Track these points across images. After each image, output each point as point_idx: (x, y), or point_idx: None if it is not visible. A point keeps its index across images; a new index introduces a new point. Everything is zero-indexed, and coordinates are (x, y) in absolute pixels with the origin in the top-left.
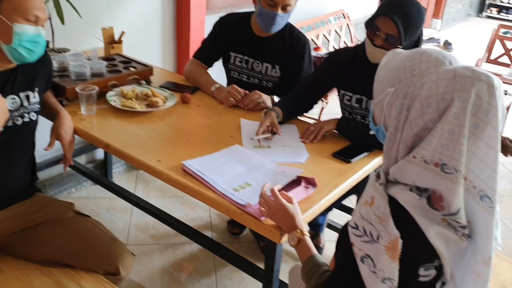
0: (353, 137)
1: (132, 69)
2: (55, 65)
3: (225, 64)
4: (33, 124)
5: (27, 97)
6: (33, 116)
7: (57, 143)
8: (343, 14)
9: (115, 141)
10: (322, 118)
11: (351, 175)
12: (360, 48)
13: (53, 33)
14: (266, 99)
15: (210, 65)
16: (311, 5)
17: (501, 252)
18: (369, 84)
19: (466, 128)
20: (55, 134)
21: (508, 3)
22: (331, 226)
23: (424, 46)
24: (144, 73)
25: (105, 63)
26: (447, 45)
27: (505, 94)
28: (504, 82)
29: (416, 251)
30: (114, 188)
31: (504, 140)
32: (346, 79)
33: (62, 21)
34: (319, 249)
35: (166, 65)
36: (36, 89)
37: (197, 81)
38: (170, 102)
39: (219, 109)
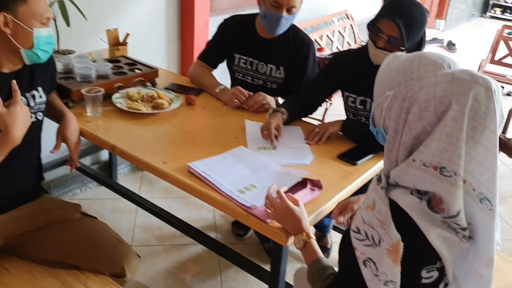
0: (358, 139)
1: (137, 71)
2: (60, 67)
3: (230, 66)
4: (39, 124)
5: (33, 97)
6: (40, 116)
7: (62, 145)
8: (346, 14)
9: (121, 143)
10: (326, 119)
11: (357, 177)
12: (363, 50)
13: (58, 35)
14: (271, 100)
15: (215, 66)
16: (315, 5)
17: (505, 253)
18: (373, 86)
19: (464, 132)
20: (61, 136)
21: None
22: (336, 228)
23: (428, 46)
24: (150, 75)
25: (110, 65)
26: (450, 45)
27: (509, 95)
28: (508, 83)
29: (418, 254)
30: (119, 189)
31: (508, 142)
32: (350, 81)
33: (68, 23)
34: (327, 249)
35: (170, 66)
36: (41, 88)
37: (201, 83)
38: (175, 104)
39: (224, 111)
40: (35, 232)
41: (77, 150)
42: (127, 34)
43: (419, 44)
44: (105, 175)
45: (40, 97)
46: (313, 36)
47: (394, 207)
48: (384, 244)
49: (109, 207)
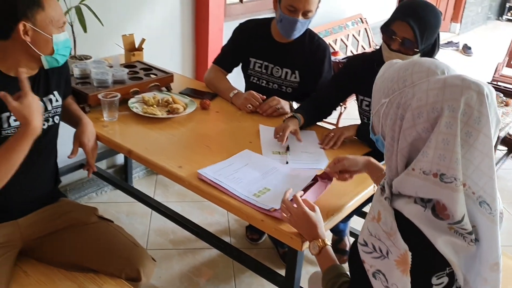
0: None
1: (153, 76)
2: (77, 72)
3: (245, 70)
4: (56, 127)
5: (50, 101)
6: (57, 119)
7: (79, 149)
8: (360, 18)
9: (137, 147)
10: (341, 123)
11: (372, 183)
12: (377, 53)
13: (75, 40)
14: (285, 104)
15: (230, 71)
16: (329, 10)
17: None
18: None
19: (458, 137)
20: (78, 141)
21: None
22: (352, 234)
23: (443, 50)
24: (165, 80)
25: (126, 70)
26: (466, 49)
27: None
28: None
29: (427, 262)
30: (134, 192)
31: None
32: (364, 85)
33: (85, 29)
34: (346, 252)
35: (185, 71)
36: (57, 92)
37: (216, 87)
38: (190, 109)
39: (238, 115)
40: (52, 235)
41: (94, 155)
42: (143, 40)
43: (433, 47)
44: (120, 179)
45: (56, 100)
46: (327, 40)
47: (400, 218)
48: (392, 255)
49: (124, 210)
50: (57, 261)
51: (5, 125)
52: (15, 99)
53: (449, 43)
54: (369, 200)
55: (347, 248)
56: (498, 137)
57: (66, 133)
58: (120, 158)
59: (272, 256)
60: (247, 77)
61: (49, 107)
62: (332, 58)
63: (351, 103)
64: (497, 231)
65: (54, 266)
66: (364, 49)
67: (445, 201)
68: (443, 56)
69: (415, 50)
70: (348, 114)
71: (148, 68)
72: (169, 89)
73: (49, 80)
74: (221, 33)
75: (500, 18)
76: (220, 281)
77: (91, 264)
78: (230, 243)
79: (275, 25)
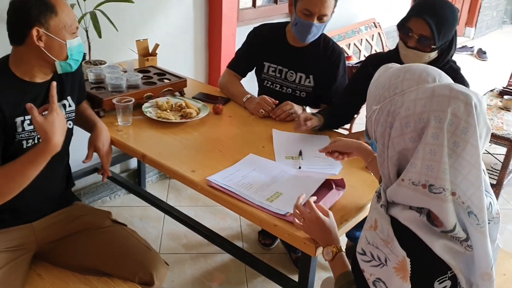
0: None
1: (166, 81)
2: (92, 77)
3: (258, 74)
4: (70, 132)
5: (64, 106)
6: (70, 124)
7: (94, 154)
8: (374, 23)
9: (151, 152)
10: (354, 128)
11: None
12: (393, 52)
13: (90, 46)
14: (298, 109)
15: (244, 75)
16: (342, 14)
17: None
18: None
19: (446, 147)
20: (93, 146)
21: None
22: None
23: (457, 55)
24: (178, 85)
25: (140, 75)
26: (481, 53)
27: None
28: None
29: (427, 267)
30: (147, 196)
31: None
32: None
33: (100, 35)
34: None
35: (198, 76)
36: (70, 97)
37: (229, 91)
38: (203, 113)
39: (251, 120)
40: (67, 238)
41: (108, 160)
42: (157, 45)
43: (450, 44)
44: (134, 183)
45: (70, 105)
46: (340, 45)
47: (396, 224)
48: (391, 262)
49: (137, 214)
50: (71, 265)
51: (19, 129)
52: (41, 111)
53: (464, 48)
54: None
55: None
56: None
57: (81, 137)
58: (133, 163)
59: (285, 261)
60: (260, 81)
61: (63, 112)
62: (346, 62)
63: (364, 108)
64: (487, 242)
65: (68, 270)
66: None
67: (436, 211)
68: (457, 60)
69: (432, 47)
70: (360, 119)
71: (162, 73)
72: (182, 94)
73: (63, 85)
74: (234, 38)
75: None
76: (232, 286)
77: (105, 268)
78: (243, 248)
79: (290, 29)
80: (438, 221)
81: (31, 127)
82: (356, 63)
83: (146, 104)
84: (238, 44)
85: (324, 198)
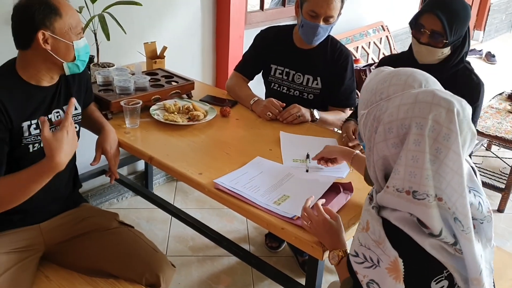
0: None
1: (174, 83)
2: (100, 79)
3: (266, 77)
4: (76, 135)
5: None
6: (76, 127)
7: (101, 156)
8: (382, 26)
9: (158, 154)
10: None
11: None
12: (406, 53)
13: (98, 48)
14: (305, 112)
15: (251, 78)
16: (350, 17)
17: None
18: None
19: (427, 154)
20: (100, 148)
21: None
22: None
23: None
24: (186, 88)
25: (148, 77)
26: (489, 57)
27: None
28: None
29: (422, 267)
30: (154, 199)
31: None
32: None
33: (108, 37)
34: None
35: (205, 78)
36: (76, 100)
37: (237, 94)
38: (210, 116)
39: (258, 123)
40: (74, 240)
41: (116, 162)
42: (164, 47)
43: (464, 41)
44: (141, 185)
45: (76, 109)
46: (348, 48)
47: (387, 225)
48: (383, 263)
49: (144, 216)
50: (78, 266)
51: (26, 134)
52: (57, 123)
53: (472, 51)
54: None
55: None
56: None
57: (88, 139)
58: (140, 165)
59: (292, 264)
60: (268, 84)
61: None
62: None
63: None
64: (473, 248)
65: (75, 271)
66: None
67: (420, 217)
68: None
69: (444, 41)
70: None
71: (170, 76)
72: (190, 96)
73: (70, 88)
74: (241, 40)
75: None
76: None
77: (112, 269)
78: (249, 250)
79: (297, 32)
80: (426, 224)
81: (37, 131)
82: (364, 66)
83: (153, 107)
84: (246, 47)
85: (332, 201)
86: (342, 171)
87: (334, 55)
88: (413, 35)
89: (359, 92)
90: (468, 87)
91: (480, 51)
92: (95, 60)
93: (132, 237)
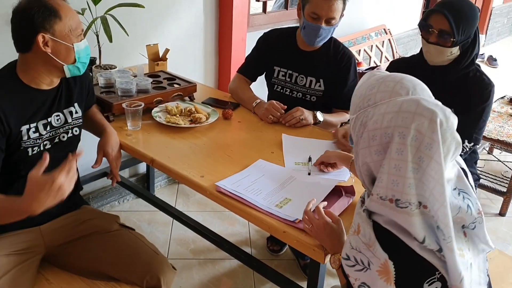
0: None
1: (176, 85)
2: (102, 81)
3: (268, 78)
4: (77, 138)
5: (71, 113)
6: (76, 131)
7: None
8: (384, 29)
9: (160, 156)
10: None
11: None
12: (416, 56)
13: (100, 50)
14: (308, 115)
15: (254, 79)
16: (352, 20)
17: None
18: (430, 89)
19: (410, 163)
20: (102, 151)
21: None
22: None
23: None
24: (188, 90)
25: (150, 79)
26: (491, 60)
27: None
28: None
29: (413, 269)
30: (156, 201)
31: None
32: None
33: (110, 39)
34: None
35: (207, 81)
36: (77, 104)
37: (239, 96)
38: (212, 118)
39: (260, 125)
40: (74, 242)
41: (117, 164)
42: (167, 50)
43: (473, 43)
44: (142, 188)
45: (76, 112)
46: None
47: (378, 228)
48: (374, 266)
49: (145, 219)
50: (78, 269)
51: (25, 138)
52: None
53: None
54: None
55: None
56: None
57: (90, 142)
58: (142, 167)
59: (293, 267)
60: (270, 85)
61: (69, 119)
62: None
63: None
64: (454, 257)
65: (76, 274)
66: (388, 60)
67: (403, 225)
68: None
69: (452, 40)
70: None
71: (172, 78)
72: (192, 99)
73: (71, 92)
74: (244, 43)
75: None
76: None
77: (112, 272)
78: (251, 253)
79: (300, 34)
80: None
81: (36, 135)
82: (366, 69)
83: (155, 109)
84: (248, 50)
85: (334, 204)
86: (344, 175)
87: (337, 57)
88: (422, 36)
89: None
90: (479, 87)
91: (482, 54)
92: (97, 62)
93: (133, 239)
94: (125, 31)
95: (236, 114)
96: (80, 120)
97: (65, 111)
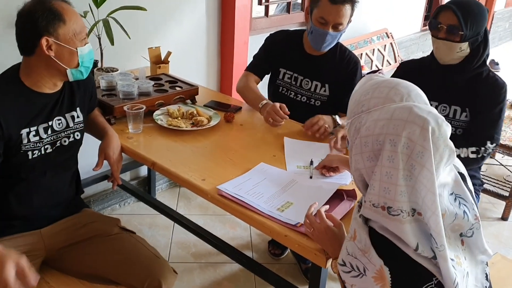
0: None
1: (178, 88)
2: (103, 84)
3: (273, 80)
4: (78, 143)
5: (72, 118)
6: (78, 135)
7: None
8: (386, 33)
9: (161, 159)
10: None
11: None
12: (427, 58)
13: (102, 53)
14: (330, 121)
15: (262, 77)
16: (354, 24)
17: None
18: (441, 89)
19: (401, 170)
20: (103, 153)
21: None
22: None
23: None
24: (190, 93)
25: (152, 82)
26: (493, 64)
27: None
28: None
29: (409, 275)
30: (157, 205)
31: None
32: (422, 88)
33: (112, 42)
34: None
35: (209, 84)
36: (79, 108)
37: (246, 96)
38: (214, 121)
39: (262, 128)
40: (75, 245)
41: (118, 167)
42: (169, 53)
43: (485, 43)
44: (143, 191)
45: (78, 117)
46: None
47: (373, 234)
48: (369, 272)
49: (147, 222)
50: (79, 272)
51: (25, 141)
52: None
53: None
54: None
55: None
56: None
57: (91, 144)
58: (143, 170)
59: (294, 271)
60: (275, 87)
61: (71, 124)
62: None
63: None
64: (447, 266)
65: (76, 277)
66: (390, 64)
67: (396, 232)
68: None
69: (461, 33)
70: None
71: (174, 81)
72: (193, 102)
73: (74, 96)
74: (246, 46)
75: None
76: None
77: (113, 276)
78: (252, 257)
79: (307, 37)
80: None
81: (37, 138)
82: (368, 73)
83: (157, 112)
84: (251, 53)
85: (335, 208)
86: (346, 178)
87: (343, 62)
88: (432, 35)
89: None
90: (494, 88)
91: None
92: (99, 64)
93: (134, 243)
94: (127, 34)
95: (238, 117)
96: (82, 125)
97: (67, 115)
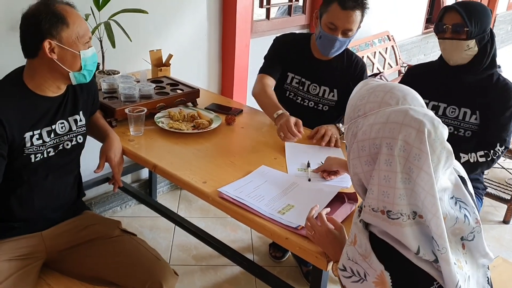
0: None
1: (179, 91)
2: (105, 86)
3: (281, 84)
4: (80, 146)
5: (75, 121)
6: (80, 139)
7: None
8: (388, 36)
9: (162, 162)
10: None
11: None
12: (436, 62)
13: (103, 55)
14: (335, 130)
15: (277, 78)
16: None
17: None
18: (451, 91)
19: (399, 173)
20: (104, 156)
21: None
22: None
23: None
24: (191, 95)
25: (153, 85)
26: None
27: None
28: None
29: (409, 279)
30: (158, 207)
31: None
32: (428, 90)
33: (113, 45)
34: None
35: (211, 87)
36: (82, 112)
37: (262, 101)
38: (215, 124)
39: (263, 131)
40: (76, 247)
41: (120, 170)
42: (170, 55)
43: (492, 40)
44: (144, 193)
45: (80, 120)
46: None
47: (374, 239)
48: (370, 277)
49: (148, 225)
50: (80, 274)
51: (28, 144)
52: None
53: None
54: None
55: None
56: None
57: (92, 147)
58: (144, 173)
59: (295, 274)
60: (282, 91)
61: (74, 127)
62: None
63: None
64: (450, 269)
65: (77, 279)
66: (391, 66)
67: (396, 236)
68: None
69: (466, 30)
70: None
71: (175, 84)
72: (195, 104)
73: (77, 100)
74: (247, 49)
75: None
76: None
77: (114, 278)
78: (253, 260)
79: (315, 42)
80: None
81: (40, 142)
82: (369, 76)
83: (158, 114)
84: (252, 56)
85: (336, 211)
86: (346, 181)
87: (351, 67)
88: (438, 38)
89: None
90: (505, 91)
91: None
92: (101, 67)
93: (135, 245)
94: (129, 37)
95: (239, 120)
96: (84, 129)
97: (69, 118)
